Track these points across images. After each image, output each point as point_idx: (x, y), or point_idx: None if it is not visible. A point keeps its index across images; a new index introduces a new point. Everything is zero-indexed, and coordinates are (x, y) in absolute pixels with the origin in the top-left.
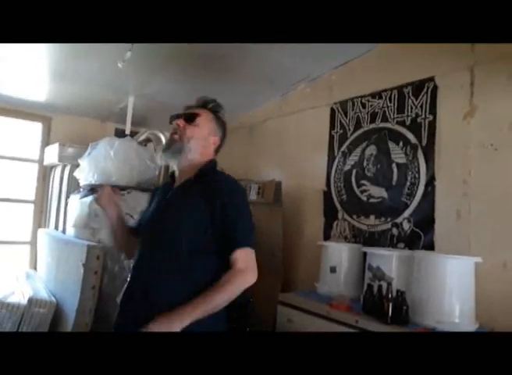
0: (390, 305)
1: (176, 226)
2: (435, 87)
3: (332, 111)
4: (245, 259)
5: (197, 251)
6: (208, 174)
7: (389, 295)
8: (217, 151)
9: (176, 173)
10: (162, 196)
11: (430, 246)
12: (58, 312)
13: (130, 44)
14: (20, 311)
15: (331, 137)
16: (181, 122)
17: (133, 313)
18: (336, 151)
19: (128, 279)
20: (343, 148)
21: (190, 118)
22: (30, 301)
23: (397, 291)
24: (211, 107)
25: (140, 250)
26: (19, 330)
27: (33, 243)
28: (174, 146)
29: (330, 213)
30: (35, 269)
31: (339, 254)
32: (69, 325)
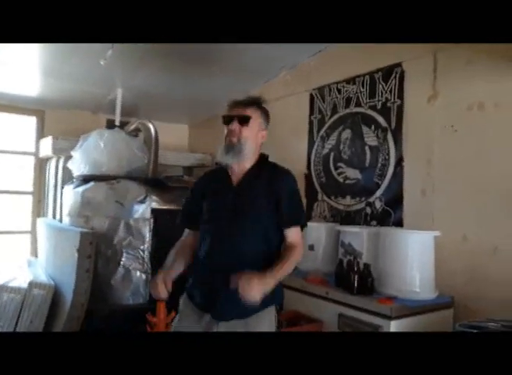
0: (356, 277)
1: (255, 213)
2: (403, 73)
3: (311, 97)
4: (298, 236)
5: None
6: (265, 167)
7: (355, 268)
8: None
9: (230, 167)
10: (224, 187)
11: (399, 223)
12: (56, 294)
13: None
14: (22, 293)
15: (310, 122)
16: (236, 125)
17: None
18: (315, 135)
19: (204, 258)
20: (322, 132)
21: (243, 120)
22: (31, 284)
23: (364, 264)
24: (260, 105)
25: (217, 232)
26: (22, 312)
27: (33, 232)
28: (234, 149)
29: (311, 195)
30: (36, 256)
31: (317, 233)
32: (66, 305)
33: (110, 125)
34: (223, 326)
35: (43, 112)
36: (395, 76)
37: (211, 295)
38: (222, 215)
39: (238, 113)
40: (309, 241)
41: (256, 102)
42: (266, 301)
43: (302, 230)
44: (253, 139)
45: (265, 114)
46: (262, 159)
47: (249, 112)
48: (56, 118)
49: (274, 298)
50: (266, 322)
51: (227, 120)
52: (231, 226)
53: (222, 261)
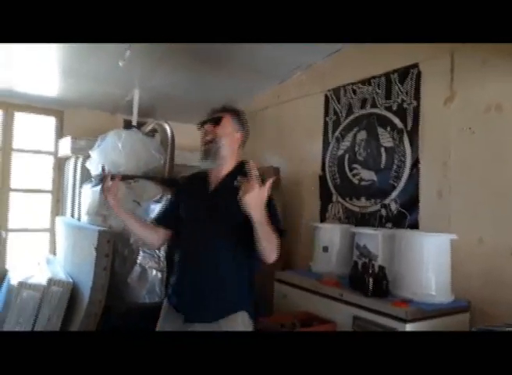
0: (371, 279)
1: (228, 219)
2: (419, 74)
3: (326, 98)
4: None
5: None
6: (241, 174)
7: (370, 271)
8: (242, 145)
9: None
10: (201, 191)
11: (415, 225)
12: (74, 291)
13: (129, 44)
14: (41, 290)
15: (325, 124)
16: (210, 126)
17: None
18: (330, 136)
19: (179, 260)
20: (337, 133)
21: (216, 121)
22: (49, 281)
23: (379, 266)
24: (232, 109)
25: (191, 235)
26: (40, 308)
27: (51, 230)
28: (211, 151)
29: (325, 196)
30: (54, 254)
31: (331, 234)
32: (84, 303)
33: (127, 125)
34: (198, 328)
35: (62, 113)
36: (411, 77)
37: (184, 297)
38: (197, 219)
39: (212, 117)
40: (323, 243)
41: (227, 108)
42: (235, 306)
43: (282, 235)
44: (227, 139)
45: (242, 120)
46: (240, 166)
47: (221, 113)
48: (75, 118)
49: (243, 303)
50: (239, 326)
51: (201, 124)
52: (204, 230)
53: (195, 264)
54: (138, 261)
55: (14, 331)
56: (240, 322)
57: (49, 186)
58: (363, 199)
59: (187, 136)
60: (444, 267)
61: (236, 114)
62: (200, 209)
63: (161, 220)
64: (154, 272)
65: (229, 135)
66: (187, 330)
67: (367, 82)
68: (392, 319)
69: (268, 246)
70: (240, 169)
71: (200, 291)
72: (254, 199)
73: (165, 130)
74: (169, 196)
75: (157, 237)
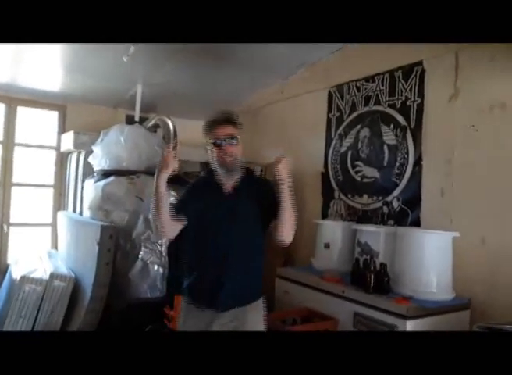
0: (372, 276)
1: (249, 222)
2: (423, 71)
3: (330, 94)
4: None
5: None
6: (252, 178)
7: (371, 268)
8: None
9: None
10: (217, 195)
11: (417, 222)
12: (76, 286)
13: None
14: (43, 285)
15: (328, 120)
16: (229, 146)
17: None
18: (333, 133)
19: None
20: (340, 130)
21: (233, 140)
22: (52, 276)
23: (380, 263)
24: (236, 121)
25: (214, 238)
26: (42, 302)
27: (53, 225)
28: (232, 170)
29: (327, 193)
30: (56, 248)
31: (333, 231)
32: (86, 297)
33: (130, 121)
34: (226, 316)
35: (64, 107)
36: (415, 75)
37: (218, 291)
38: (221, 224)
39: (227, 134)
40: (325, 240)
41: (235, 120)
42: (258, 293)
43: None
44: (240, 155)
45: (240, 128)
46: (247, 172)
47: (235, 131)
48: (77, 113)
49: (261, 290)
50: (261, 311)
51: (217, 142)
52: (231, 234)
53: (225, 260)
54: (140, 256)
55: (13, 331)
56: (261, 307)
57: (51, 180)
58: (365, 196)
59: (189, 131)
60: (445, 265)
61: (239, 127)
62: (221, 211)
63: (180, 210)
64: (155, 267)
65: (241, 151)
66: (217, 319)
67: (370, 79)
68: (393, 316)
69: (290, 224)
70: (247, 175)
71: (235, 281)
72: (285, 169)
73: (167, 126)
74: (180, 195)
75: (174, 228)
